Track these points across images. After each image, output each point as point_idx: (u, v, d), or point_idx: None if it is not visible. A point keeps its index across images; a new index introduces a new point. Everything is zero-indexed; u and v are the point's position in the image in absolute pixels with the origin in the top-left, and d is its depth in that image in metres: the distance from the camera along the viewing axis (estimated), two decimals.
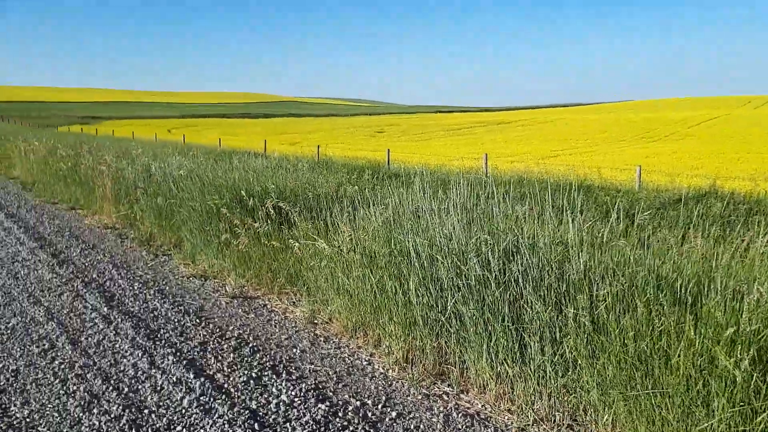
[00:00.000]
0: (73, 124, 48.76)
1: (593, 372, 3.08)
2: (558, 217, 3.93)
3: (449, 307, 3.77)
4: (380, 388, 3.75)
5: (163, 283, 6.06)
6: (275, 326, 4.83)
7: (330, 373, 3.96)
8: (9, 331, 4.67)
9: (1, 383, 3.78)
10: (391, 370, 3.98)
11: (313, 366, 4.07)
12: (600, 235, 3.65)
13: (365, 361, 4.15)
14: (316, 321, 4.88)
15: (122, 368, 3.99)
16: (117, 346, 4.37)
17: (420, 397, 3.62)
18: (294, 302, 5.33)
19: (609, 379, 3.01)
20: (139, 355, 4.20)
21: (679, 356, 2.75)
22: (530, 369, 3.36)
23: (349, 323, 4.60)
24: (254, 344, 4.44)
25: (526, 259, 3.51)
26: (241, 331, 4.71)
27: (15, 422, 3.32)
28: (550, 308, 3.29)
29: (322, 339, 4.55)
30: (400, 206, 4.90)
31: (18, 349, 4.31)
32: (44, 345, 4.39)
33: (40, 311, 5.13)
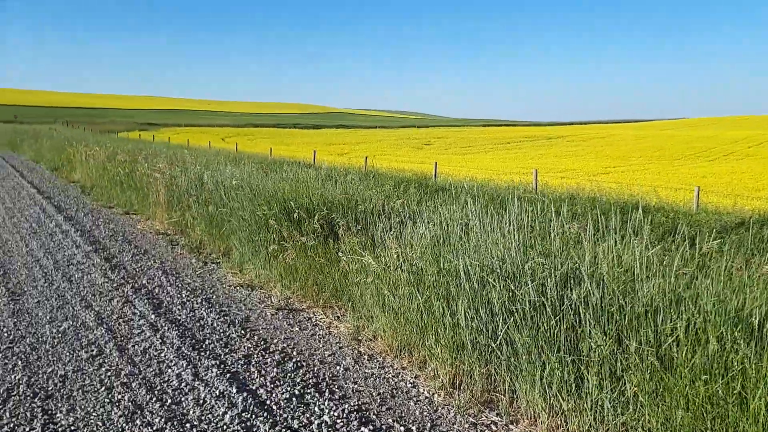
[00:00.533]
0: (132, 130, 50.54)
1: (657, 411, 2.86)
2: (614, 238, 3.71)
3: (500, 333, 3.59)
4: (425, 413, 3.60)
5: (211, 291, 6.09)
6: (319, 341, 4.76)
7: (373, 394, 3.84)
8: (60, 335, 4.75)
9: (50, 389, 3.83)
10: (436, 395, 3.83)
11: (356, 386, 3.96)
12: (663, 261, 3.42)
13: (410, 383, 4.01)
14: (360, 338, 4.77)
15: (166, 378, 3.98)
16: (162, 355, 4.38)
17: (467, 425, 3.45)
18: (338, 317, 5.25)
19: (676, 421, 2.78)
20: (184, 365, 4.19)
21: (758, 401, 2.50)
22: (586, 404, 3.15)
23: (394, 342, 4.48)
24: (298, 359, 4.37)
25: (587, 286, 3.31)
26: (285, 345, 4.65)
27: (59, 429, 3.33)
28: (611, 340, 3.08)
29: (366, 357, 4.44)
30: (449, 222, 4.76)
31: (67, 354, 4.37)
32: (92, 351, 4.44)
33: (90, 316, 5.22)
